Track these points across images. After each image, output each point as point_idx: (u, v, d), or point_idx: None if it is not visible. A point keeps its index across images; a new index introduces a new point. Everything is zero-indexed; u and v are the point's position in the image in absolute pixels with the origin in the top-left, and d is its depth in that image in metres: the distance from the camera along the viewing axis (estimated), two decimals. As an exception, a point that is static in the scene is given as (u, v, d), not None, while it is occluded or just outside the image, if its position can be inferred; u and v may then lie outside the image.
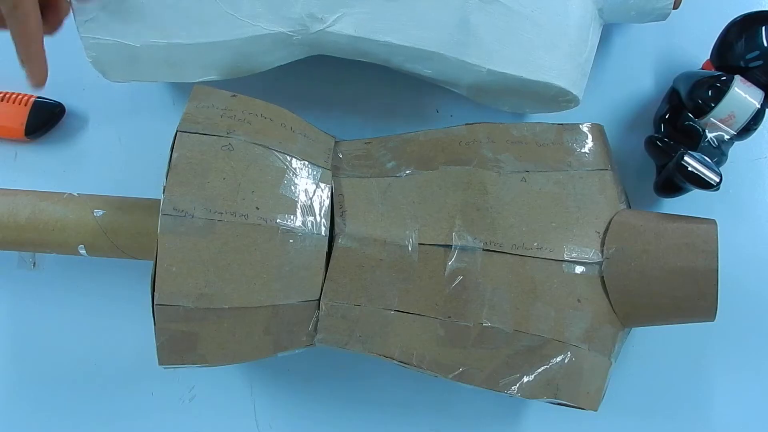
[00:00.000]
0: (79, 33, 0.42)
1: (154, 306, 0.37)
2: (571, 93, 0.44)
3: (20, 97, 0.51)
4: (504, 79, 0.43)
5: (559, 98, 0.45)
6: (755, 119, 0.45)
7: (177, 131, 0.39)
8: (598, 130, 0.45)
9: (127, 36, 0.37)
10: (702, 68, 0.50)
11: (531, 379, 0.40)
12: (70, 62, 0.53)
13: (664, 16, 0.46)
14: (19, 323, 0.49)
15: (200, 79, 0.45)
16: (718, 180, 0.44)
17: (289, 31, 0.42)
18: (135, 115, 0.52)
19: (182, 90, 0.52)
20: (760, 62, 0.45)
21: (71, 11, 0.40)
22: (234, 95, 0.42)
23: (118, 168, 0.51)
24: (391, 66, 0.45)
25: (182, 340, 0.38)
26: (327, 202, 0.40)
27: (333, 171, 0.42)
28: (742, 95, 0.45)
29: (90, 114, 0.52)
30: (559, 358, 0.40)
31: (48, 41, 0.53)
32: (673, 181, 0.46)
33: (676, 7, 0.46)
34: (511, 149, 0.43)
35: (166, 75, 0.45)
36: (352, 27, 0.42)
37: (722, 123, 0.45)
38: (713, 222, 0.41)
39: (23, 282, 0.50)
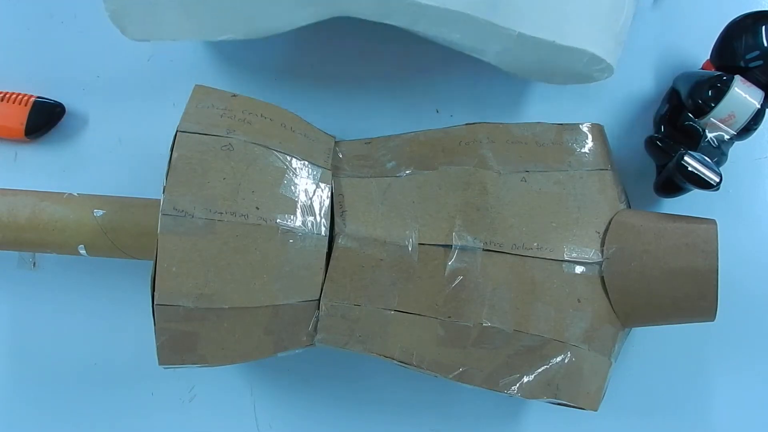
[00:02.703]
0: None
1: (154, 306, 0.37)
2: (605, 61, 0.42)
3: (20, 97, 0.51)
4: (535, 44, 0.41)
5: (592, 67, 0.43)
6: (755, 119, 0.45)
7: (177, 131, 0.39)
8: (598, 130, 0.45)
9: None
10: (702, 68, 0.49)
11: (531, 379, 0.40)
12: (70, 62, 0.53)
13: None
14: (19, 323, 0.49)
15: (219, 38, 0.44)
16: (718, 180, 0.44)
17: None
18: (135, 115, 0.52)
19: (182, 90, 0.52)
20: (760, 62, 0.45)
21: None
22: (234, 95, 0.42)
23: (118, 168, 0.51)
24: (416, 32, 0.43)
25: (182, 340, 0.38)
26: (327, 202, 0.40)
27: (333, 171, 0.42)
28: (742, 95, 0.45)
29: (90, 114, 0.52)
30: (559, 358, 0.40)
31: (48, 41, 0.53)
32: (673, 181, 0.46)
33: None
34: (511, 149, 0.43)
35: (185, 31, 0.44)
36: None
37: (722, 123, 0.45)
38: (713, 222, 0.41)
39: (23, 282, 0.50)
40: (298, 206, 0.39)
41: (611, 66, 0.43)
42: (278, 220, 0.38)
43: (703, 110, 0.45)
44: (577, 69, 0.44)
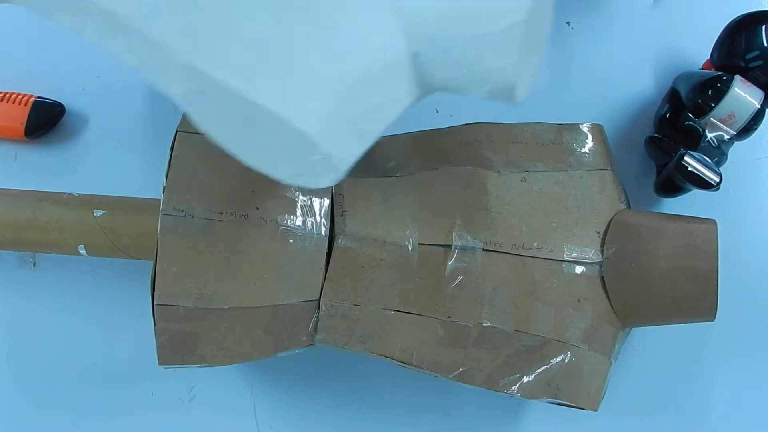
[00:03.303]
0: None
1: (154, 306, 0.37)
2: (321, 149, 0.27)
3: (20, 97, 0.51)
4: (222, 94, 0.26)
5: (307, 154, 0.27)
6: (755, 119, 0.45)
7: (177, 131, 0.39)
8: (598, 130, 0.45)
9: None
10: (702, 68, 0.49)
11: (531, 379, 0.40)
12: (70, 62, 0.53)
13: (507, 94, 0.30)
14: (19, 323, 0.49)
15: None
16: (718, 180, 0.44)
17: None
18: (135, 115, 0.52)
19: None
20: (760, 62, 0.45)
21: None
22: (234, 95, 0.42)
23: (118, 168, 0.51)
24: (88, 38, 0.28)
25: (182, 340, 0.38)
26: (327, 201, 0.40)
27: (333, 171, 0.42)
28: (742, 95, 0.45)
29: (90, 114, 0.52)
30: (559, 358, 0.40)
31: (49, 41, 0.53)
32: (673, 181, 0.46)
33: (520, 98, 0.31)
34: (511, 149, 0.43)
35: None
36: None
37: (722, 123, 0.45)
38: (713, 222, 0.41)
39: (23, 282, 0.50)
40: (298, 206, 0.39)
41: (331, 158, 0.27)
42: (278, 220, 0.38)
43: (703, 110, 0.45)
44: (291, 153, 0.28)
